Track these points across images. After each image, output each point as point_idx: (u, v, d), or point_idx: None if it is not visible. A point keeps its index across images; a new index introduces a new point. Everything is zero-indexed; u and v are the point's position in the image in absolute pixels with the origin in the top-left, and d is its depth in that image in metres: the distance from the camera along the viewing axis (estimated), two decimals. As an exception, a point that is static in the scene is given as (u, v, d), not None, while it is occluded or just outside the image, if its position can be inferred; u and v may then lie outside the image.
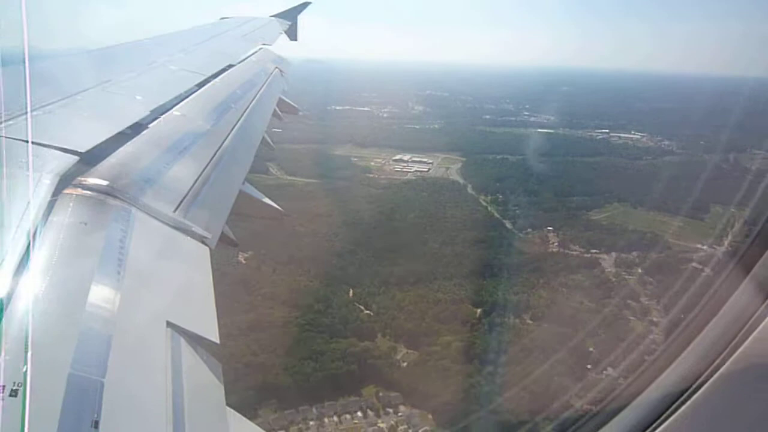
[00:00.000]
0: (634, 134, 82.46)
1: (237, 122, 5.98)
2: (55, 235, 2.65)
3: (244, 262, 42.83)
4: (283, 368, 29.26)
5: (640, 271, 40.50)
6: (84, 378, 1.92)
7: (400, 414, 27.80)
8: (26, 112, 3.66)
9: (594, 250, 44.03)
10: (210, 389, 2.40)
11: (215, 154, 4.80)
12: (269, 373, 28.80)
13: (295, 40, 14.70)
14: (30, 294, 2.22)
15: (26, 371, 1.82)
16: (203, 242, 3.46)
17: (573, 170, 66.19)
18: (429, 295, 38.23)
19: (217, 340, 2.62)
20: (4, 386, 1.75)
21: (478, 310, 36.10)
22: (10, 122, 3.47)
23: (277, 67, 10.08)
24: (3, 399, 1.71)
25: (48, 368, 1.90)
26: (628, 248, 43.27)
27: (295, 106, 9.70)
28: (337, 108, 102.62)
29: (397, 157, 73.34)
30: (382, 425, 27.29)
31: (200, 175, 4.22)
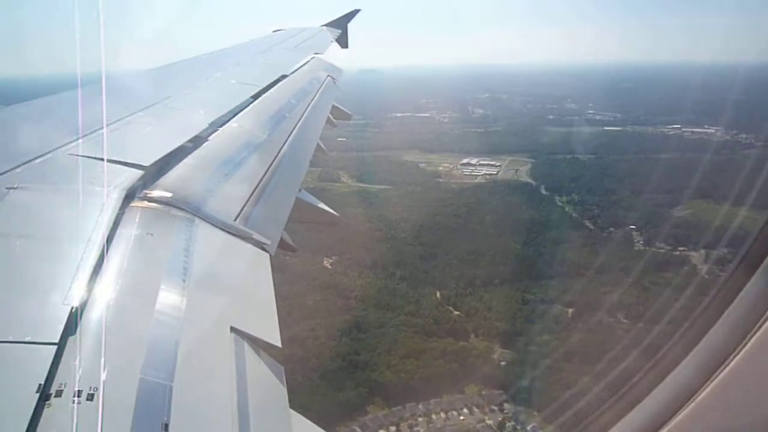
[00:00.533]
0: (707, 128, 79.70)
1: (292, 131, 6.06)
2: (124, 246, 2.80)
3: (329, 267, 44.17)
4: (386, 366, 30.21)
5: (733, 267, 39.38)
6: (154, 382, 2.01)
7: (505, 411, 28.33)
8: (94, 131, 3.95)
9: (681, 248, 43.08)
10: (273, 392, 2.46)
11: (272, 163, 4.91)
12: (374, 371, 29.87)
13: (346, 47, 14.95)
14: (103, 302, 2.33)
15: (101, 376, 1.90)
16: (263, 249, 3.54)
17: (648, 167, 64.60)
18: (516, 295, 38.55)
19: (279, 344, 2.64)
20: (81, 390, 1.82)
21: (570, 310, 36.08)
22: (80, 141, 3.75)
23: (329, 75, 10.17)
24: (80, 403, 1.79)
25: (121, 373, 1.99)
26: (718, 245, 42.12)
27: (348, 112, 9.80)
28: (398, 115, 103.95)
29: (465, 161, 73.39)
30: (489, 422, 27.85)
31: (258, 184, 4.34)
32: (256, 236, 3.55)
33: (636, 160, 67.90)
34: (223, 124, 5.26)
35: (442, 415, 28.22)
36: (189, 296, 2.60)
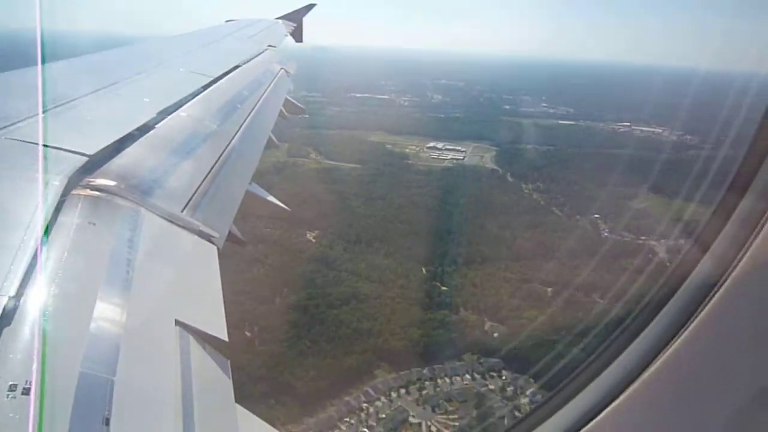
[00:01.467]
0: (655, 128, 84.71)
1: (243, 122, 5.93)
2: (65, 235, 2.67)
3: (313, 240, 44.99)
4: (389, 334, 31.75)
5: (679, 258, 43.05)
6: (94, 376, 1.93)
7: (504, 377, 30.54)
8: (35, 115, 3.74)
9: (643, 237, 46.55)
10: (219, 386, 2.43)
11: (222, 154, 4.80)
12: (378, 338, 31.32)
13: (301, 41, 15.00)
14: (41, 293, 2.22)
15: (38, 370, 1.82)
16: (211, 241, 3.46)
17: (604, 161, 68.00)
18: (498, 273, 40.83)
19: (226, 338, 2.60)
20: (16, 384, 1.75)
21: (549, 289, 38.67)
22: (20, 124, 3.53)
23: (282, 68, 10.00)
24: (16, 397, 1.71)
25: (59, 367, 1.91)
26: (676, 236, 45.79)
27: (301, 107, 9.73)
28: (357, 95, 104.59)
29: (431, 144, 75.41)
30: (491, 387, 30.06)
31: (207, 175, 4.23)
32: (204, 228, 3.48)
33: (593, 154, 71.53)
34: (172, 113, 5.10)
35: (447, 379, 30.15)
36: (132, 288, 2.52)
